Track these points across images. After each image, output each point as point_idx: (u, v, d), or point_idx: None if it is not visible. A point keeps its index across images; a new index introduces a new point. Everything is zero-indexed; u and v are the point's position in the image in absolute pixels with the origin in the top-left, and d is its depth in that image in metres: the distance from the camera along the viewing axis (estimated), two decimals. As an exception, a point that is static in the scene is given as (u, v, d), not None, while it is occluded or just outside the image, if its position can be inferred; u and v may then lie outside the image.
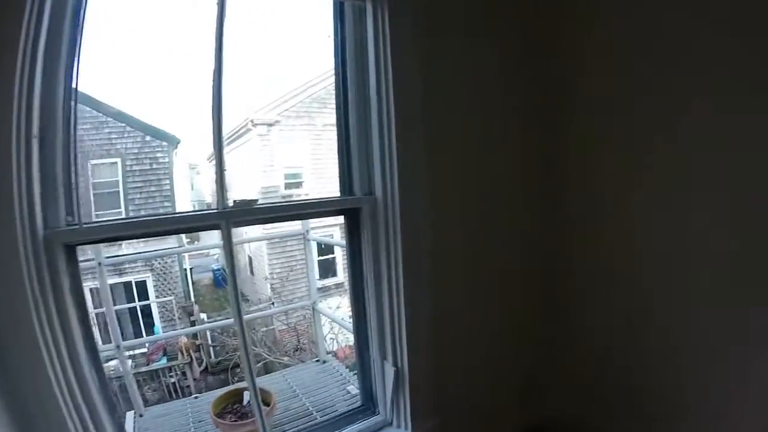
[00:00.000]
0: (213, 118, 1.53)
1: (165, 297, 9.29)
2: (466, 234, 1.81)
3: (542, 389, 2.09)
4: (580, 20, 1.75)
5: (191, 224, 1.61)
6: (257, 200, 1.62)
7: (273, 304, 8.43)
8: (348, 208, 1.70)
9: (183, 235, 8.19)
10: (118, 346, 3.28)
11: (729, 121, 1.34)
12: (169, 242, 8.22)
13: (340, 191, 1.76)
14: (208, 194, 12.49)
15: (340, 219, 1.77)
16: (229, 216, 1.52)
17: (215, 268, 11.36)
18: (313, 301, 3.41)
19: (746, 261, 1.36)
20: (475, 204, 1.82)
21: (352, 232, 1.73)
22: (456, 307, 1.83)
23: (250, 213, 1.58)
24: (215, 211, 1.53)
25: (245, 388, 2.50)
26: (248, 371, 1.69)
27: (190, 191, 12.61)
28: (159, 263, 9.27)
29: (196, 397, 3.10)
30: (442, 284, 1.75)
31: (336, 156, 1.76)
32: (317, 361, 3.21)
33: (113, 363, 7.56)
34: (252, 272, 10.38)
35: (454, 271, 1.81)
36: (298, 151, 9.77)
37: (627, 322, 1.74)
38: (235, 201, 1.59)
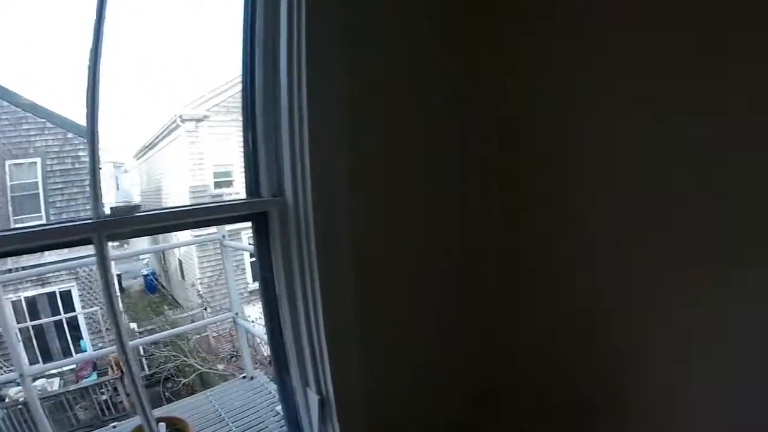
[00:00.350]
0: (87, 104, 1.24)
1: (92, 307, 8.64)
2: (397, 237, 1.58)
3: (495, 398, 1.91)
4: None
5: (56, 239, 1.29)
6: (139, 206, 1.34)
7: (206, 309, 7.97)
8: (254, 212, 1.44)
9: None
10: (21, 375, 2.89)
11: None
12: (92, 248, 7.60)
13: (246, 193, 1.49)
14: (136, 194, 11.77)
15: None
16: (104, 227, 1.23)
17: (146, 273, 10.71)
18: (235, 313, 3.10)
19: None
20: (408, 205, 1.60)
21: (261, 240, 1.47)
22: (388, 321, 1.60)
23: (131, 223, 1.29)
24: (87, 221, 1.24)
25: (159, 420, 2.19)
26: (140, 407, 1.42)
27: (116, 191, 11.83)
28: (84, 271, 8.62)
29: (114, 427, 2.79)
30: (370, 297, 1.52)
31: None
32: (244, 377, 2.92)
33: (39, 382, 7.02)
34: (183, 276, 9.81)
35: (385, 281, 1.57)
36: (228, 147, 9.29)
37: (580, 322, 1.57)
38: (112, 208, 1.30)
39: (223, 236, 3.12)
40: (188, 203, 8.10)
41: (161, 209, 1.38)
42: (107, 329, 8.70)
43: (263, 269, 1.49)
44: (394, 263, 1.59)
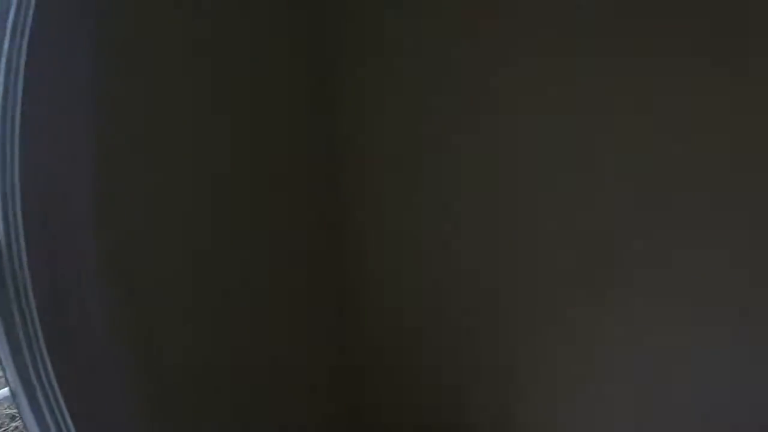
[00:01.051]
0: None
1: None
2: (186, 268, 1.13)
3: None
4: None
5: None
6: None
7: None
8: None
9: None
10: None
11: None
12: None
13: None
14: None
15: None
16: None
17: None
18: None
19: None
20: (191, 224, 1.15)
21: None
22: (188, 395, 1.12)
23: None
24: None
25: None
26: None
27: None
28: None
29: None
30: (153, 365, 1.05)
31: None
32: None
33: None
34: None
35: (172, 340, 1.09)
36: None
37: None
38: None
39: None
40: None
41: None
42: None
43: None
44: (202, 310, 1.14)
